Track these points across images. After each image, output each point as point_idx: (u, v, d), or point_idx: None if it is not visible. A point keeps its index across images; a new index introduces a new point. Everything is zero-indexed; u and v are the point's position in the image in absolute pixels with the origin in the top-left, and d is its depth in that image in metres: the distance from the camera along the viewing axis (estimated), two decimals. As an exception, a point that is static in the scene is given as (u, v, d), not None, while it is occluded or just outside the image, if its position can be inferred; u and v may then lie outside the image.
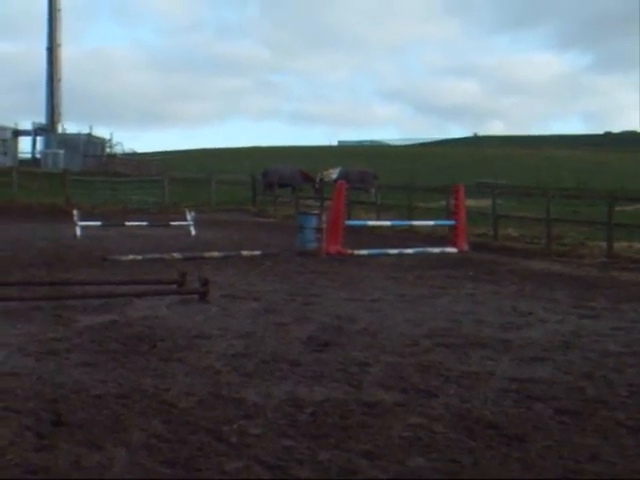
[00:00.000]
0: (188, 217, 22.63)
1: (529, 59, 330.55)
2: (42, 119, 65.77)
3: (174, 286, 11.46)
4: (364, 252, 17.59)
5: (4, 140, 61.37)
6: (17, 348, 7.81)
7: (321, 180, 33.35)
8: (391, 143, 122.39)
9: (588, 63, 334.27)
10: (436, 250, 18.52)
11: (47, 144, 64.34)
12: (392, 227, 23.16)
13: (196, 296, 10.85)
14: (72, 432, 5.35)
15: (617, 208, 20.25)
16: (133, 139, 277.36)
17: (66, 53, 70.01)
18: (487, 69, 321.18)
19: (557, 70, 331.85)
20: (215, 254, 16.34)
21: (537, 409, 6.10)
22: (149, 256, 15.76)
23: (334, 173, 38.29)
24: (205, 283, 10.88)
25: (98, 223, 21.78)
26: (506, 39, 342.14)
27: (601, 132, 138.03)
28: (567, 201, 27.65)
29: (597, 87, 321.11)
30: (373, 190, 33.82)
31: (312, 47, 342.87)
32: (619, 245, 18.43)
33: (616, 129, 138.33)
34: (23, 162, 59.31)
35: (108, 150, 65.72)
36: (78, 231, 20.66)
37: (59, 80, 65.92)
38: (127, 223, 22.57)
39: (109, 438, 5.24)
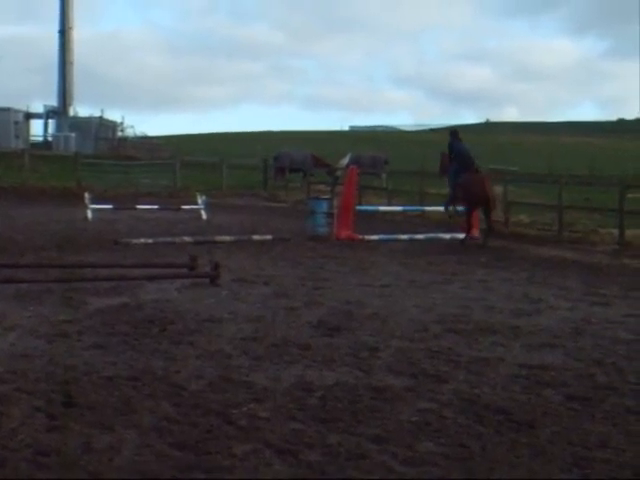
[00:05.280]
0: (199, 201, 22.63)
1: (544, 45, 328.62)
2: (54, 102, 65.53)
3: (185, 270, 11.49)
4: (375, 237, 17.58)
5: (16, 123, 61.27)
6: (29, 330, 7.85)
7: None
8: (403, 129, 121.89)
9: (604, 49, 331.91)
10: (447, 236, 18.49)
11: (59, 127, 64.14)
12: (403, 212, 23.10)
13: (207, 280, 10.87)
14: (83, 414, 5.38)
15: (629, 195, 20.08)
16: (145, 122, 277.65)
17: (79, 36, 69.70)
18: (501, 55, 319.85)
19: (572, 56, 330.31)
20: (226, 238, 16.35)
21: (547, 395, 6.10)
22: (160, 239, 15.79)
23: (345, 159, 38.15)
24: (216, 267, 10.90)
25: (109, 206, 21.80)
26: (521, 24, 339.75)
27: (614, 119, 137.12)
28: (579, 188, 27.50)
29: (611, 73, 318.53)
30: (384, 175, 33.74)
31: (327, 31, 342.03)
32: (631, 232, 18.32)
33: (629, 116, 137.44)
34: (35, 145, 59.20)
35: (120, 133, 65.57)
36: (89, 214, 20.70)
37: (71, 63, 65.60)
38: (138, 206, 22.62)
39: (119, 420, 5.27)
